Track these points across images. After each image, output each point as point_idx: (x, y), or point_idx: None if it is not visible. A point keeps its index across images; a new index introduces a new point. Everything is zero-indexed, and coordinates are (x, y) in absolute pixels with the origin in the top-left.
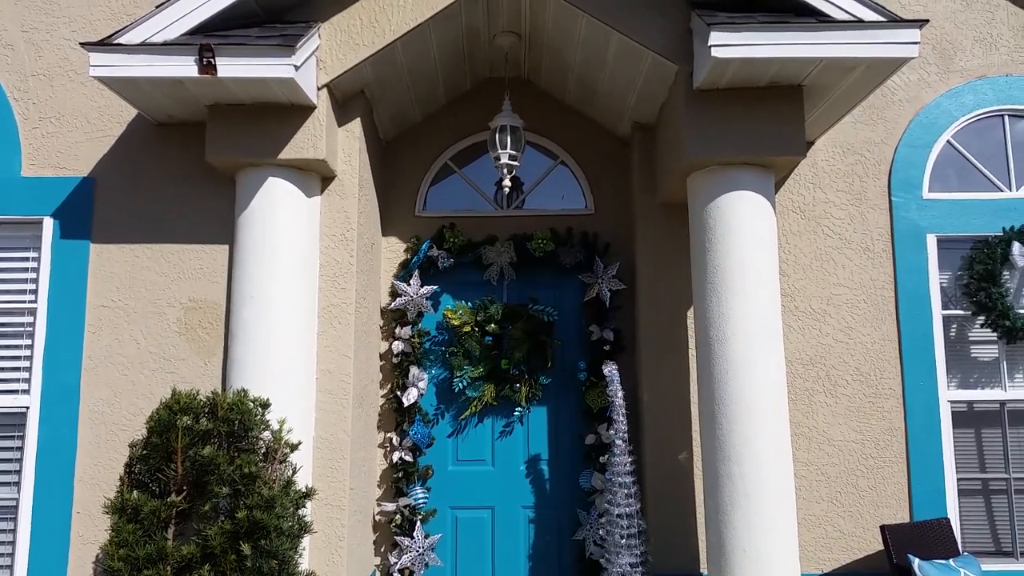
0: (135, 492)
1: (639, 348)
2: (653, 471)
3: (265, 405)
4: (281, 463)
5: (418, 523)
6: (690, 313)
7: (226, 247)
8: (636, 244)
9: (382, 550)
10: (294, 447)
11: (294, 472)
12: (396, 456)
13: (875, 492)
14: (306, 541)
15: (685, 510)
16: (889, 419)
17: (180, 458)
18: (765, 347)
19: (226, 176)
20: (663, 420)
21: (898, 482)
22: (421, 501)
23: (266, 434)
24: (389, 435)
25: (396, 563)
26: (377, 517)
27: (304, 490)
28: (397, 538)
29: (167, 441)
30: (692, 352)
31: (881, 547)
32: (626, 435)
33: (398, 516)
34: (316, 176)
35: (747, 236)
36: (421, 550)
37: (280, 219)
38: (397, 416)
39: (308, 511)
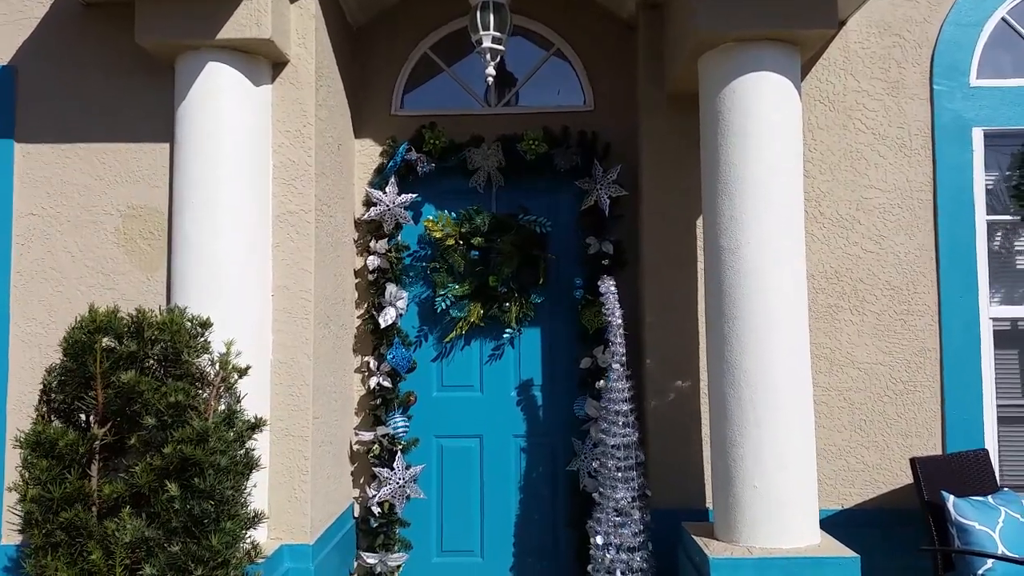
0: (55, 423)
1: (642, 262)
2: (654, 398)
3: (205, 324)
4: (228, 390)
5: (398, 453)
6: (699, 222)
7: (167, 146)
8: (640, 144)
9: (361, 482)
10: (243, 372)
11: (238, 400)
12: (374, 382)
13: (904, 420)
14: (262, 477)
15: (689, 440)
16: (922, 339)
17: (100, 385)
18: (783, 256)
19: (165, 63)
20: (667, 342)
21: (930, 409)
22: (401, 430)
23: (204, 357)
24: (366, 359)
25: (375, 496)
26: (355, 447)
27: (252, 420)
28: (375, 469)
29: (84, 365)
30: (701, 266)
31: (910, 481)
32: (624, 358)
33: (376, 446)
34: (265, 61)
35: (767, 126)
36: (402, 482)
37: (224, 111)
38: (374, 338)
39: (262, 444)
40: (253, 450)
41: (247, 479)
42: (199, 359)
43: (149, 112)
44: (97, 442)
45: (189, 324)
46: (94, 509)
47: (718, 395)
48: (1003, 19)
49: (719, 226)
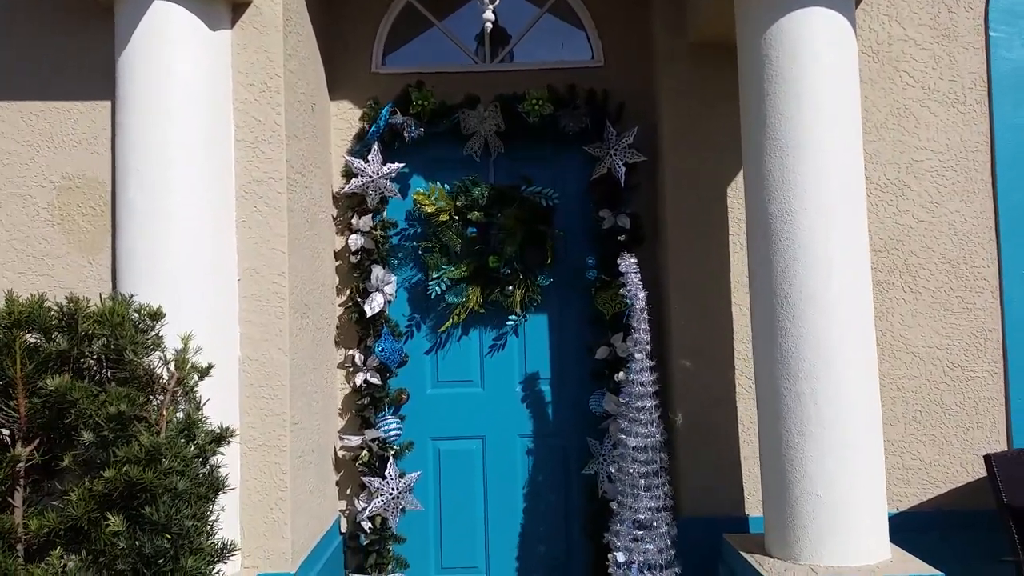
0: None
1: (665, 237)
2: (682, 391)
3: (155, 315)
4: (186, 395)
5: (390, 459)
6: (731, 189)
7: (108, 103)
8: (660, 102)
9: (348, 493)
10: (204, 372)
11: (199, 407)
12: (360, 378)
13: (964, 410)
14: (232, 498)
15: (724, 440)
16: (982, 318)
17: (22, 392)
18: (847, 224)
19: (102, 3)
20: (696, 327)
21: (992, 397)
22: (393, 433)
23: (155, 355)
24: (351, 352)
25: (365, 508)
26: (340, 453)
27: (217, 430)
28: (365, 479)
29: (0, 369)
30: (733, 239)
31: (971, 479)
32: (648, 347)
33: (365, 452)
34: (223, 1)
35: (821, 69)
36: (395, 492)
37: (174, 60)
38: (359, 329)
39: (231, 458)
40: (219, 467)
41: (212, 503)
42: (148, 358)
43: (85, 64)
44: (20, 464)
45: (136, 315)
46: (19, 548)
47: (769, 389)
48: None
49: (767, 190)
